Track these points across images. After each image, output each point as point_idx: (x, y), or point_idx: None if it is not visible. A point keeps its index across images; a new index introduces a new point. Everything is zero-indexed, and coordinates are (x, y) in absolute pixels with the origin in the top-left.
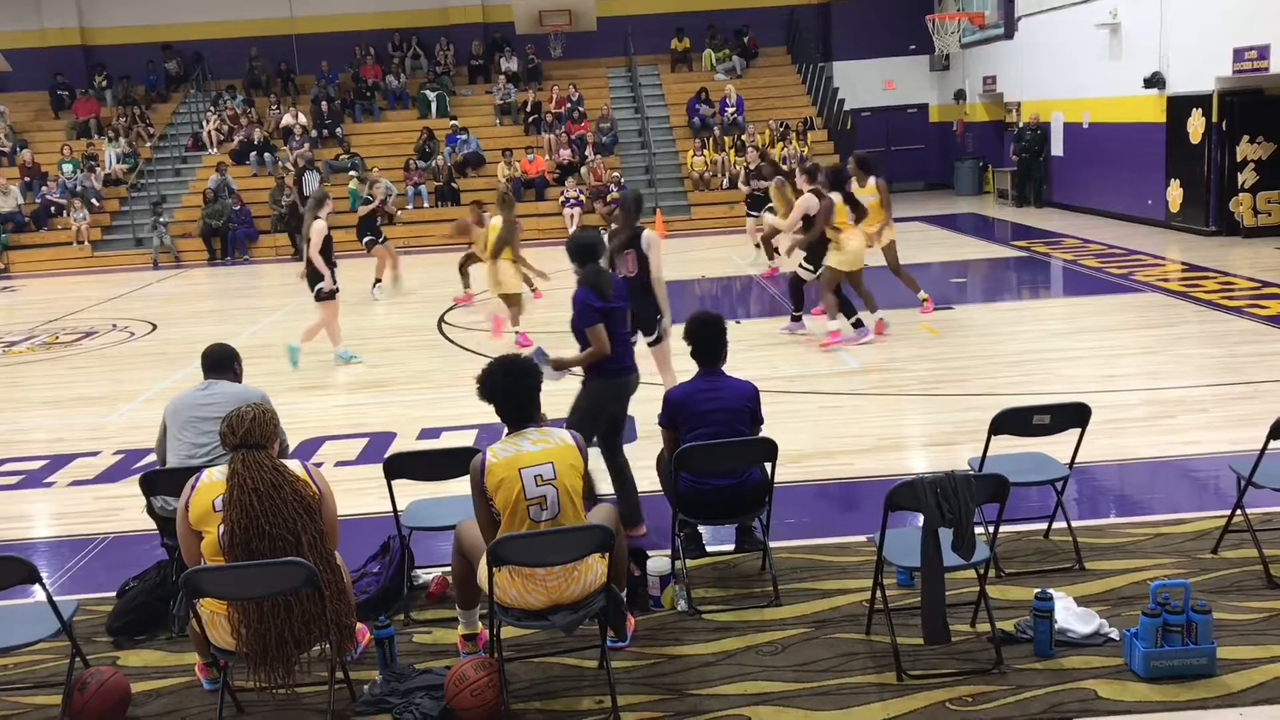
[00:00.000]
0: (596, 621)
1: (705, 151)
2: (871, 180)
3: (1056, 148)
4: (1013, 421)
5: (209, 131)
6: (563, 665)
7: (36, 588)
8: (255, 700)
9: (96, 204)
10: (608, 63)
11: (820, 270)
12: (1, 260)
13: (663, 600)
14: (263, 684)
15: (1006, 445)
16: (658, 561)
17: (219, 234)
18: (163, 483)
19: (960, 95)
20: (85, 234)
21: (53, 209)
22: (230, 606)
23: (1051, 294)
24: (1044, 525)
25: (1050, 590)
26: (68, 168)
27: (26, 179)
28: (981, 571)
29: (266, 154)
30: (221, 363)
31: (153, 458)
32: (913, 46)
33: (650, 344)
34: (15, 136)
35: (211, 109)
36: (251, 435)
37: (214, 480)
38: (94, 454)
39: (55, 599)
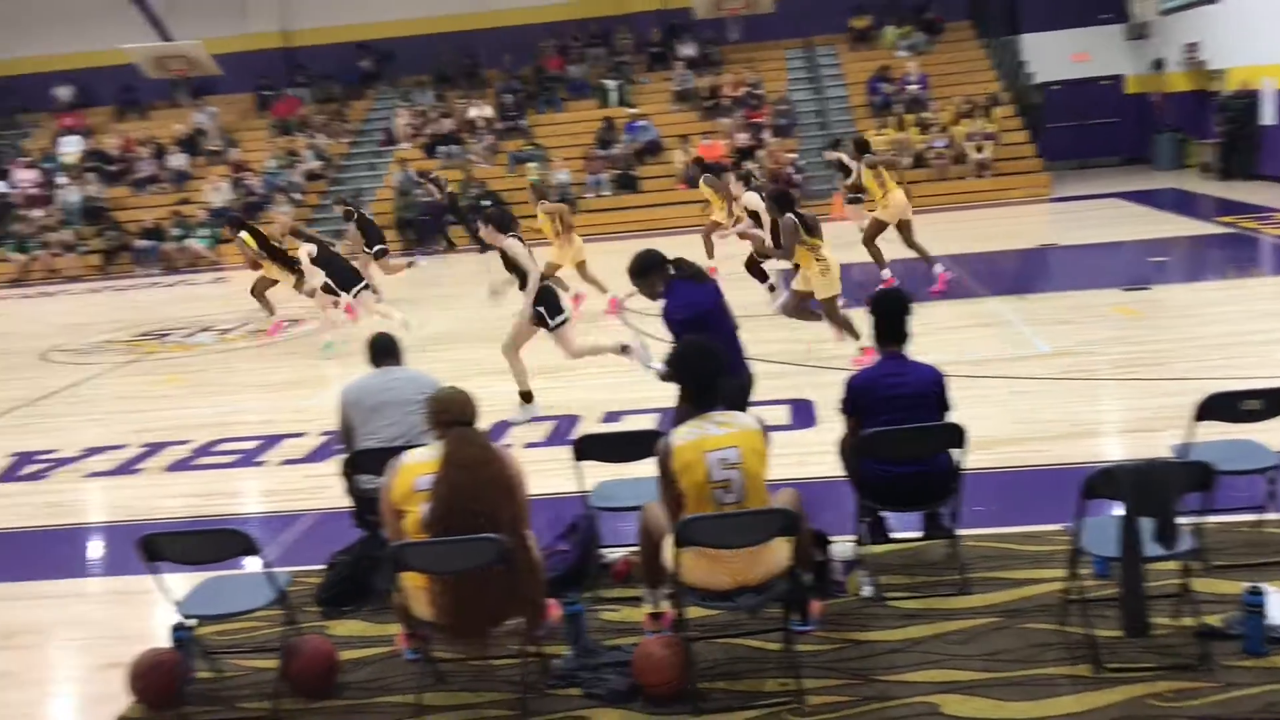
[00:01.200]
0: (781, 605)
1: (886, 130)
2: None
3: (1268, 116)
4: (1220, 407)
5: (401, 126)
6: (747, 647)
7: (253, 559)
8: (453, 670)
9: (298, 198)
10: (785, 44)
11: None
12: (215, 253)
13: (847, 586)
14: (460, 655)
15: (1213, 432)
16: (842, 547)
17: (412, 225)
18: (366, 463)
19: (1159, 64)
20: (288, 226)
21: (259, 203)
22: (431, 580)
23: (1261, 272)
24: (1254, 517)
25: (1262, 585)
26: (271, 164)
27: (235, 176)
28: (1186, 563)
29: (455, 147)
30: (392, 349)
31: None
32: (1106, 15)
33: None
34: (226, 136)
35: (403, 104)
36: (464, 413)
37: (415, 461)
38: (300, 435)
39: (270, 570)
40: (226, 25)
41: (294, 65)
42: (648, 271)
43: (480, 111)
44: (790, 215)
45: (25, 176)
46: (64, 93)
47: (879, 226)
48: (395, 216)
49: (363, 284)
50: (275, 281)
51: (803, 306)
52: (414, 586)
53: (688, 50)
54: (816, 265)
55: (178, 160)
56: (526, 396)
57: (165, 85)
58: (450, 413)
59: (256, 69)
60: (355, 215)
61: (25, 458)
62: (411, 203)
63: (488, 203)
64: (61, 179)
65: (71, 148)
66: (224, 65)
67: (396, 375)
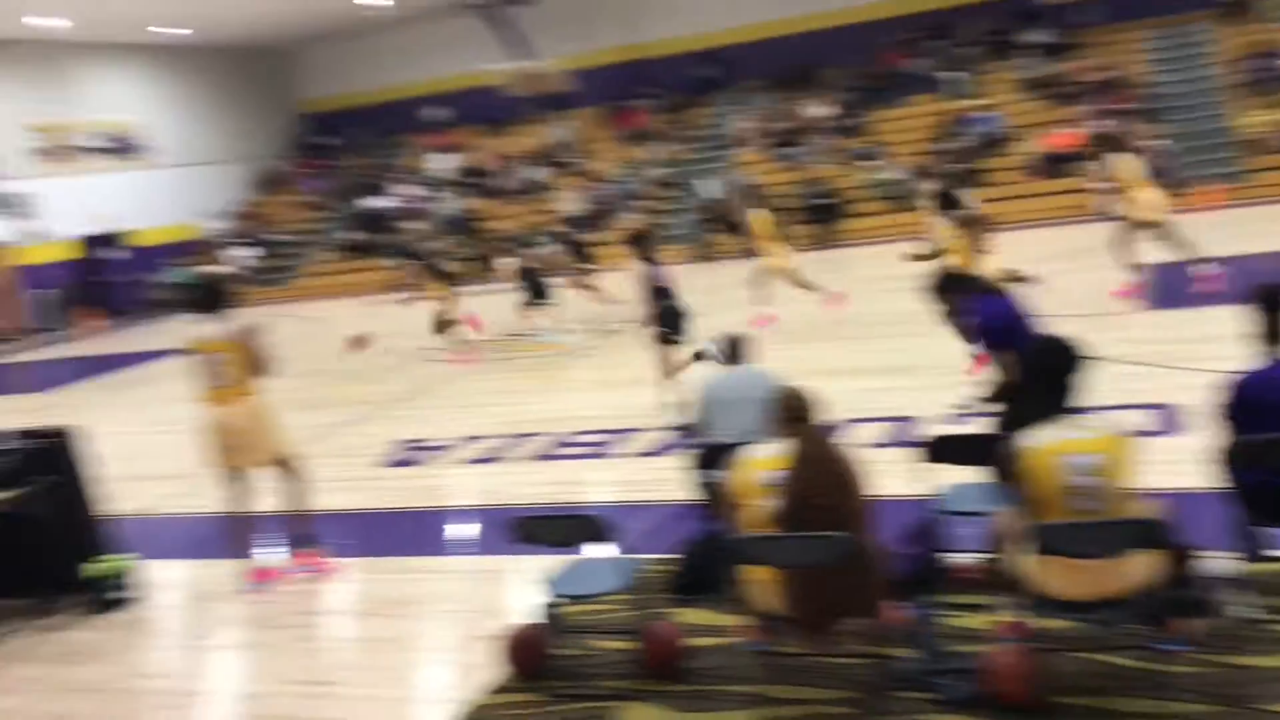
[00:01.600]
0: (1143, 621)
1: (1268, 110)
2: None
3: None
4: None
5: (741, 130)
6: (1104, 663)
7: (606, 546)
8: (795, 664)
9: (645, 205)
10: (1148, 23)
11: None
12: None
13: (1220, 605)
14: (804, 649)
15: None
16: (1215, 563)
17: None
18: (717, 457)
19: None
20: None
21: (608, 211)
22: (777, 573)
23: None
24: None
25: None
26: (618, 173)
27: (587, 185)
28: None
29: (794, 148)
30: (744, 348)
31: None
32: None
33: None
34: (579, 148)
35: (742, 109)
36: (810, 412)
37: (759, 457)
38: (647, 430)
39: (626, 556)
40: (581, 43)
41: (640, 77)
42: (951, 289)
43: (819, 111)
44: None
45: (405, 192)
46: (438, 113)
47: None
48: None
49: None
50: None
51: None
52: (760, 579)
53: (1038, 37)
54: None
55: (537, 173)
56: None
57: (527, 103)
58: (797, 411)
59: (607, 82)
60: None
61: (408, 445)
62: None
63: (827, 201)
64: (438, 193)
65: (444, 164)
66: (577, 80)
67: (746, 372)
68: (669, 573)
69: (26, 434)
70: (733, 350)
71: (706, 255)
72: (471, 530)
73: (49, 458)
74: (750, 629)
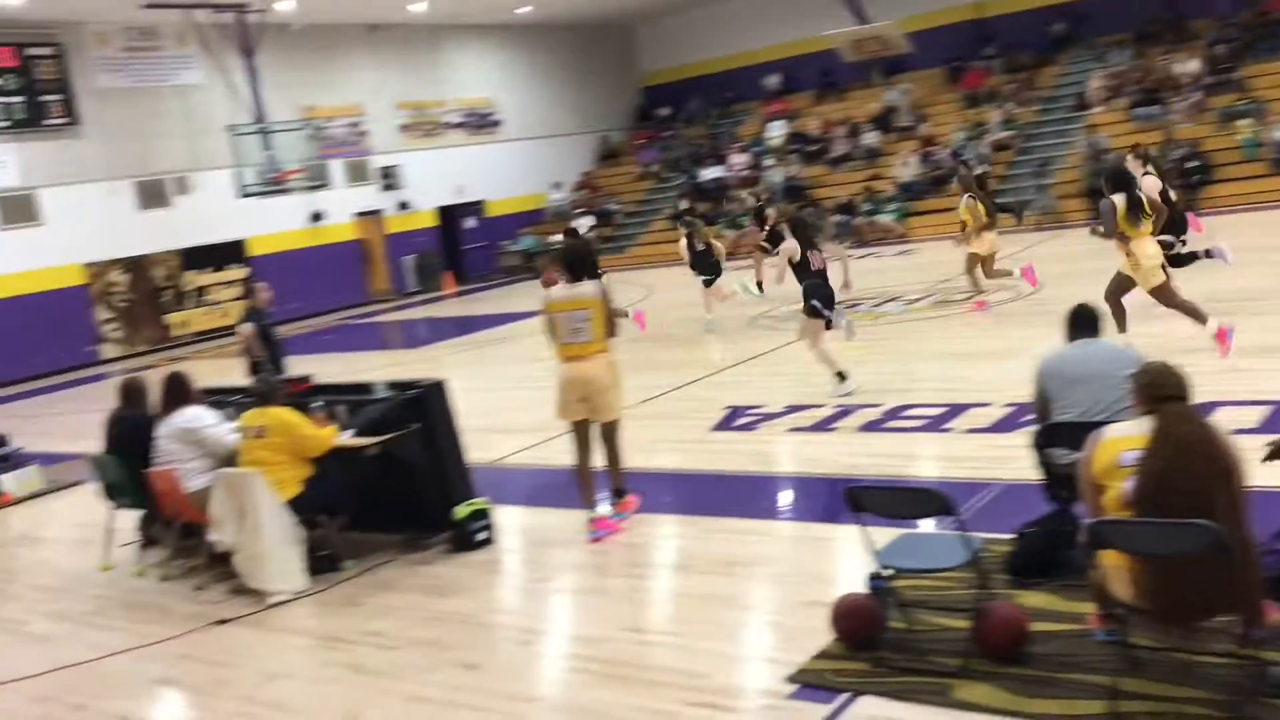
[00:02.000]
0: None
1: None
2: None
3: None
4: None
5: (1094, 90)
6: None
7: (939, 522)
8: (1151, 659)
9: (985, 170)
10: None
11: None
12: (903, 226)
13: None
14: (1161, 644)
15: None
16: None
17: (1101, 193)
18: (1060, 435)
19: None
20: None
21: (945, 176)
22: (1133, 561)
23: None
24: None
25: None
26: (958, 137)
27: (924, 151)
28: None
29: (1154, 107)
30: (1091, 322)
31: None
32: None
33: None
34: (915, 112)
35: (1098, 66)
36: (1179, 389)
37: (1119, 435)
38: (985, 405)
39: (965, 533)
40: (921, 3)
41: (984, 36)
42: None
43: (1185, 67)
44: (1114, 197)
45: (738, 160)
46: (772, 81)
47: None
48: (1085, 184)
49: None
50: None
51: (1115, 296)
52: (1114, 566)
53: None
54: (1126, 258)
55: (870, 138)
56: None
57: (861, 68)
58: (1164, 388)
59: (947, 43)
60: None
61: (738, 410)
62: (1100, 170)
63: (1195, 164)
64: (768, 161)
65: (777, 131)
66: (915, 42)
67: (1096, 348)
68: (1010, 553)
69: (400, 385)
70: (1080, 323)
71: (1056, 222)
72: (799, 497)
73: (419, 407)
74: (1099, 617)
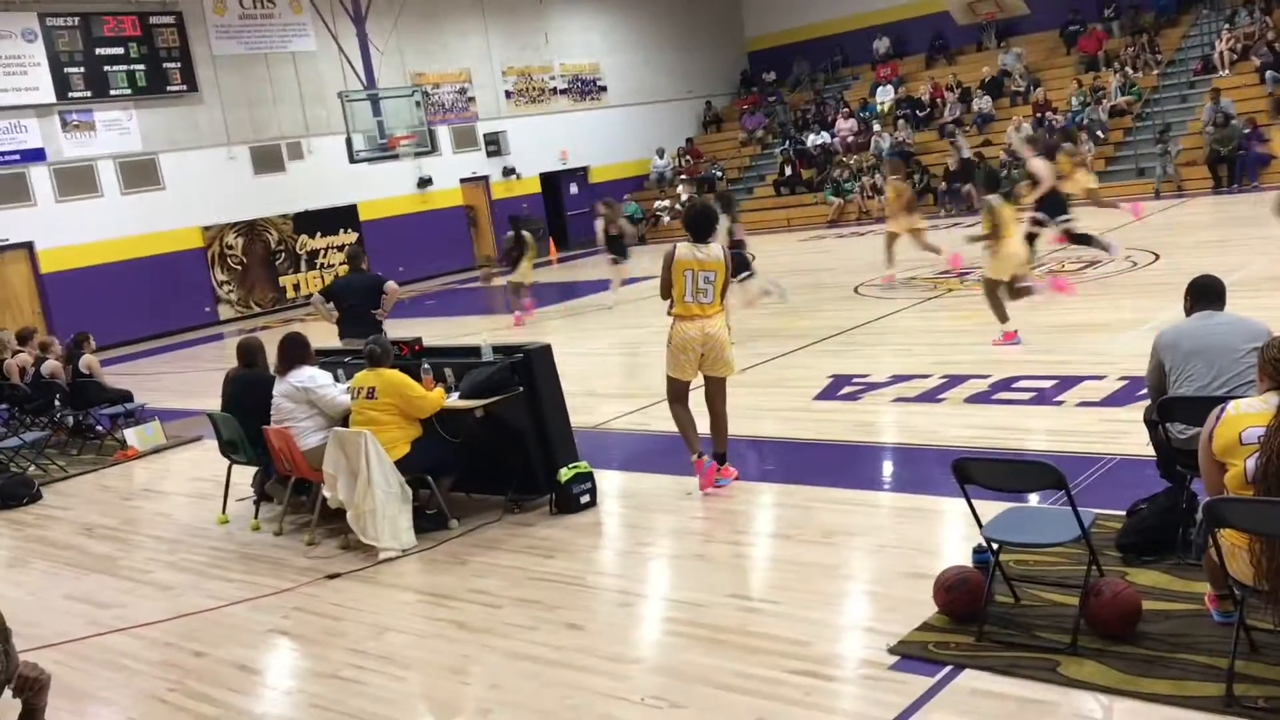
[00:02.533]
0: None
1: None
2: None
3: None
4: None
5: (1221, 52)
6: None
7: (1052, 496)
8: (1271, 642)
9: (1101, 136)
10: None
11: None
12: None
13: None
14: None
15: None
16: None
17: (1226, 160)
18: (1177, 410)
19: None
20: (1090, 165)
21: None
22: (1253, 541)
23: None
24: None
25: None
26: (1075, 101)
27: (1037, 115)
28: None
29: None
30: (1214, 293)
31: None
32: None
33: None
34: (1030, 76)
35: (1225, 27)
36: None
37: (1241, 412)
38: (1099, 378)
39: (1076, 509)
40: None
41: None
42: None
43: None
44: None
45: (844, 126)
46: (881, 45)
47: None
48: (1206, 151)
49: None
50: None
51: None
52: (1233, 545)
53: None
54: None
55: (982, 103)
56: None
57: (973, 31)
58: None
59: (1063, 5)
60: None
61: (842, 380)
62: (1226, 136)
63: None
64: (875, 126)
65: (885, 96)
66: (1032, 4)
67: (1219, 320)
68: (1122, 530)
69: (505, 349)
70: (1202, 294)
71: (1176, 190)
72: (903, 468)
73: (524, 371)
74: (1215, 598)
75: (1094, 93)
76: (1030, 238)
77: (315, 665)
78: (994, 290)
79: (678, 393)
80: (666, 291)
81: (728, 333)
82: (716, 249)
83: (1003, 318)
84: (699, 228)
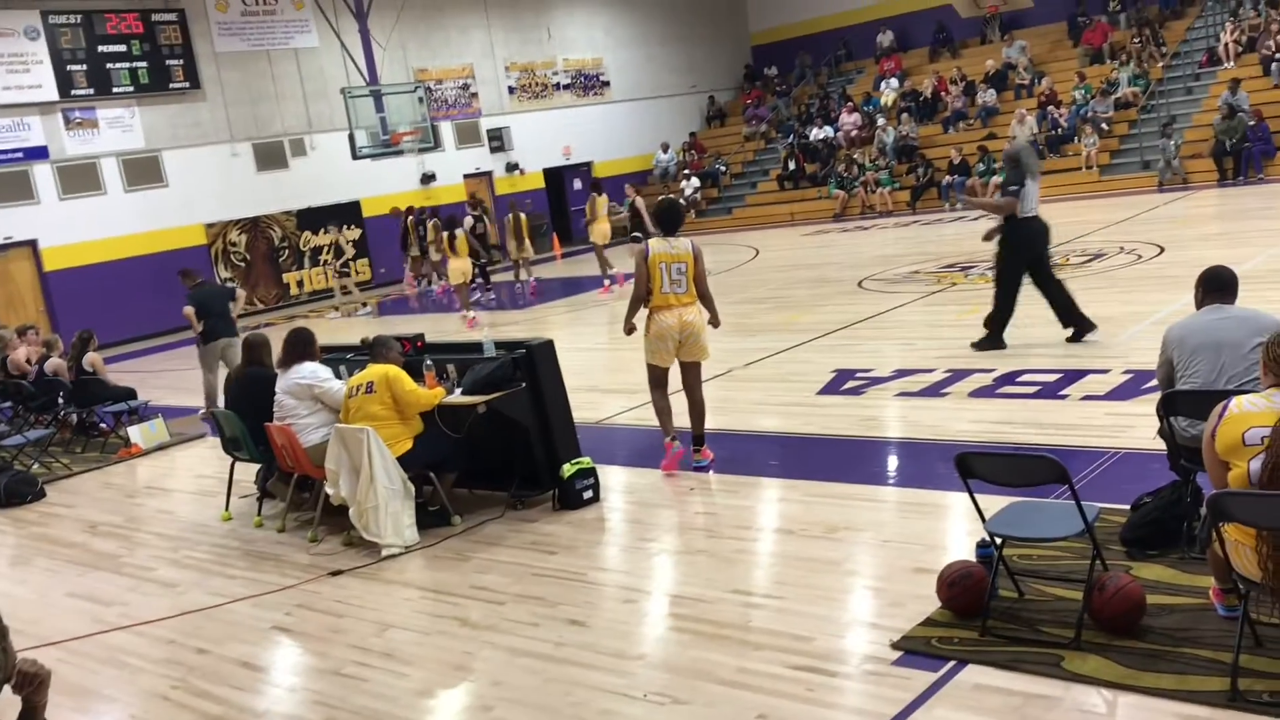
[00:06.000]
0: None
1: None
2: None
3: None
4: None
5: (1226, 45)
6: None
7: (1056, 489)
8: (1275, 636)
9: (1106, 128)
10: None
11: None
12: None
13: None
14: None
15: None
16: None
17: (1231, 153)
18: (1182, 404)
19: None
20: (1094, 159)
21: (1064, 136)
22: (1258, 536)
23: None
24: None
25: None
26: (1079, 94)
27: (1041, 108)
28: None
29: None
30: (1225, 286)
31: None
32: None
33: None
34: (1034, 68)
35: (1230, 20)
36: None
37: (1244, 410)
38: (1104, 371)
39: (1080, 502)
40: None
41: None
42: None
43: None
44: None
45: (849, 119)
46: (885, 38)
47: None
48: (1212, 144)
49: None
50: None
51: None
52: (1237, 540)
53: None
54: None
55: (986, 96)
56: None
57: (977, 24)
58: None
59: None
60: None
61: (845, 374)
62: (1233, 128)
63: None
64: (880, 120)
65: (889, 90)
66: None
67: (1228, 314)
68: (1126, 524)
69: (507, 345)
70: (1213, 287)
71: (1183, 181)
72: (907, 462)
73: (526, 366)
74: (1220, 592)
75: (1110, 85)
76: None
77: (318, 662)
78: None
79: (657, 379)
80: (644, 287)
81: (703, 319)
82: (685, 242)
83: None
84: (668, 222)
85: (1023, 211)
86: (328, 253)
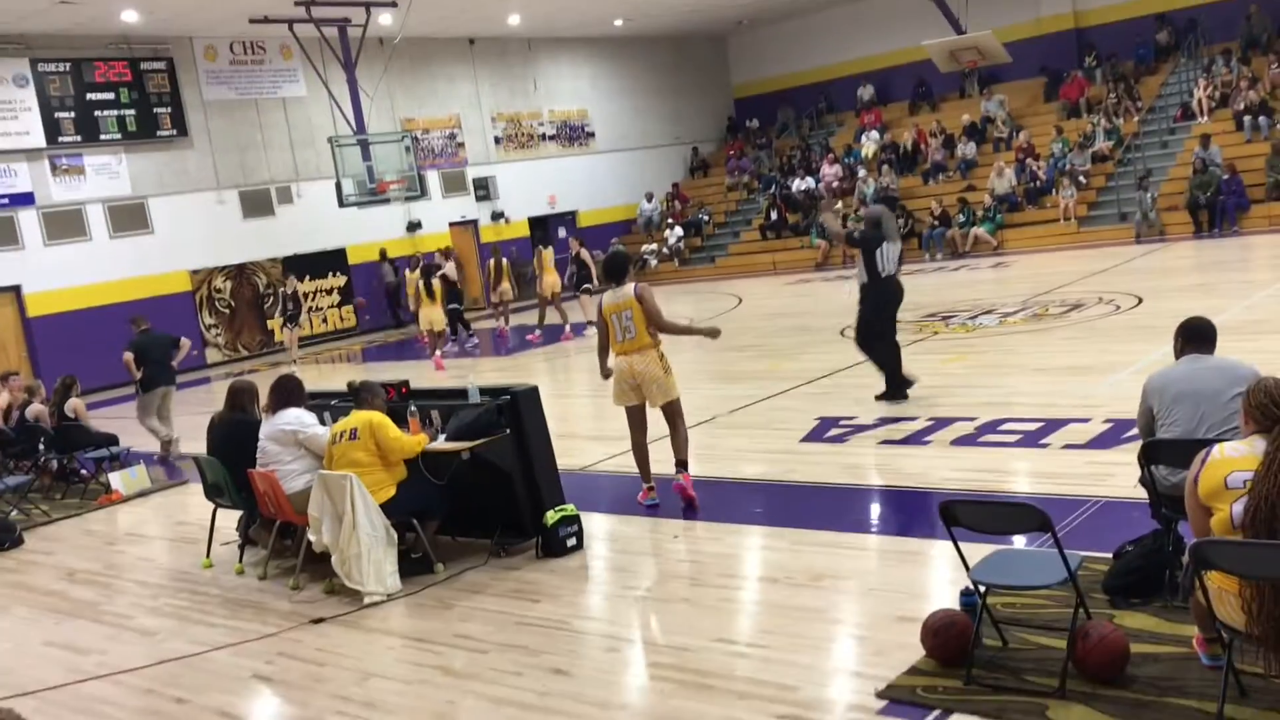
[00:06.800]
0: None
1: None
2: None
3: None
4: None
5: (1199, 100)
6: None
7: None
8: (1260, 686)
9: (1084, 181)
10: None
11: None
12: (997, 238)
13: None
14: (1272, 671)
15: None
16: None
17: (1206, 206)
18: (1162, 453)
19: None
20: (1072, 210)
21: (1042, 188)
22: (1241, 584)
23: None
24: None
25: None
26: (1057, 147)
27: (1020, 160)
28: None
29: (1262, 118)
30: (1203, 336)
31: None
32: None
33: None
34: (1013, 122)
35: (1204, 76)
36: None
37: (1226, 456)
38: (1084, 420)
39: (1063, 551)
40: (1019, 13)
41: (1084, 45)
42: None
43: None
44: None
45: (829, 171)
46: (865, 92)
47: None
48: (1187, 197)
49: None
50: None
51: None
52: (1220, 588)
53: None
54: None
55: (965, 149)
56: None
57: (956, 78)
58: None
59: (1045, 52)
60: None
61: (829, 422)
62: (1206, 182)
63: None
64: (860, 171)
65: (870, 142)
66: (1013, 52)
67: (1207, 364)
68: (1109, 572)
69: (492, 391)
70: (1191, 337)
71: (1159, 235)
72: (890, 510)
73: (510, 413)
74: (1203, 641)
75: (1087, 138)
76: None
77: (299, 711)
78: None
79: (631, 420)
80: (604, 337)
81: (662, 363)
82: (628, 288)
83: None
84: (612, 272)
85: (884, 271)
86: (281, 302)
